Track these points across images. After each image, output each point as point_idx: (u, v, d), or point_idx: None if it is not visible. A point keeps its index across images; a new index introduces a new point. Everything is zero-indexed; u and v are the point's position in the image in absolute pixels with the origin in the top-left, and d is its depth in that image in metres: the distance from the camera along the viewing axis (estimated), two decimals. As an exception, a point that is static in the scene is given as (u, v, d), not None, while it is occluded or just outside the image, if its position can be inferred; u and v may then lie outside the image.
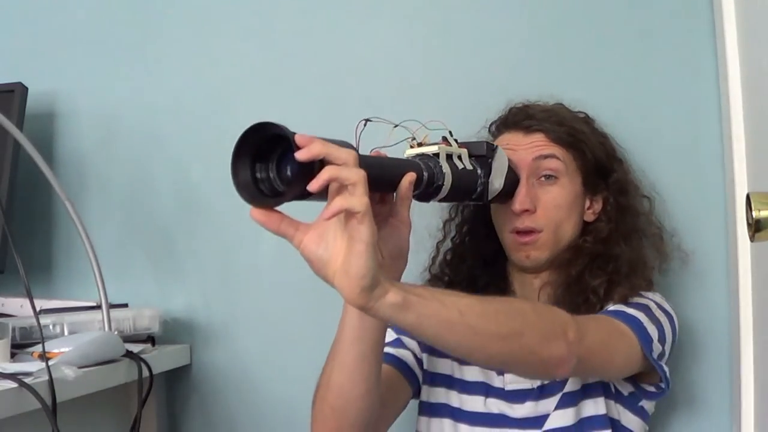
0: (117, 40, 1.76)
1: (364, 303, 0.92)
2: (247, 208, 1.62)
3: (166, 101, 1.74)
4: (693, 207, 1.51)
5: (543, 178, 1.31)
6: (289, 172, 0.91)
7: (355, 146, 0.97)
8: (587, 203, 1.35)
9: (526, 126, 1.34)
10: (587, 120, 1.41)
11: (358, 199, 0.88)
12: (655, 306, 1.28)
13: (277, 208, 0.92)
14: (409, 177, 1.02)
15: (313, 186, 0.87)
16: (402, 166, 1.05)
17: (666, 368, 1.25)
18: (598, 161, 1.35)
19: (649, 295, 1.30)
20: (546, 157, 1.31)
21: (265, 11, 1.72)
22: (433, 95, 1.63)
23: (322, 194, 0.90)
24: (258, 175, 0.92)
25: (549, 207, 1.30)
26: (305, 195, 0.90)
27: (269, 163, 0.92)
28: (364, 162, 0.92)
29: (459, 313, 0.98)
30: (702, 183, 1.52)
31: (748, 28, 1.34)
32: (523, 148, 1.31)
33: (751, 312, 1.37)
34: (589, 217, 1.35)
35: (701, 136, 1.52)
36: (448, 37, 1.65)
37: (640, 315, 1.23)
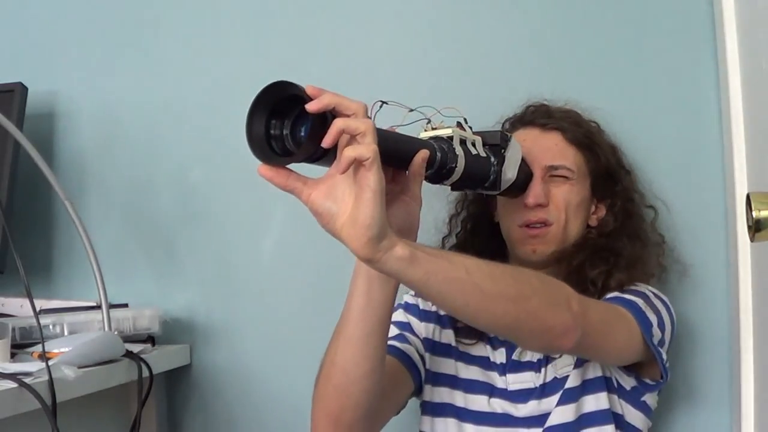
0: (117, 40, 1.76)
1: (371, 254, 0.91)
2: (247, 208, 1.68)
3: (166, 101, 1.73)
4: (693, 208, 1.51)
5: (555, 176, 1.33)
6: (302, 133, 0.92)
7: None
8: (593, 208, 1.38)
9: (543, 124, 1.36)
10: (599, 129, 1.44)
11: (366, 147, 0.89)
12: (653, 295, 1.29)
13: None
14: (422, 154, 1.03)
15: (327, 141, 0.89)
16: (416, 143, 1.06)
17: (665, 356, 1.25)
18: (609, 167, 1.38)
19: (645, 285, 1.32)
20: (557, 167, 1.32)
21: (266, 10, 1.71)
22: (443, 93, 1.61)
23: (331, 158, 0.92)
24: (272, 131, 0.93)
25: (560, 202, 1.32)
26: (315, 157, 0.91)
27: (284, 121, 0.93)
28: (379, 135, 0.92)
29: (466, 271, 0.98)
30: (702, 185, 1.52)
31: (748, 28, 1.34)
32: (539, 146, 1.33)
33: (751, 310, 1.38)
34: (593, 221, 1.38)
35: (701, 137, 1.52)
36: (448, 38, 1.65)
37: (638, 301, 1.24)
